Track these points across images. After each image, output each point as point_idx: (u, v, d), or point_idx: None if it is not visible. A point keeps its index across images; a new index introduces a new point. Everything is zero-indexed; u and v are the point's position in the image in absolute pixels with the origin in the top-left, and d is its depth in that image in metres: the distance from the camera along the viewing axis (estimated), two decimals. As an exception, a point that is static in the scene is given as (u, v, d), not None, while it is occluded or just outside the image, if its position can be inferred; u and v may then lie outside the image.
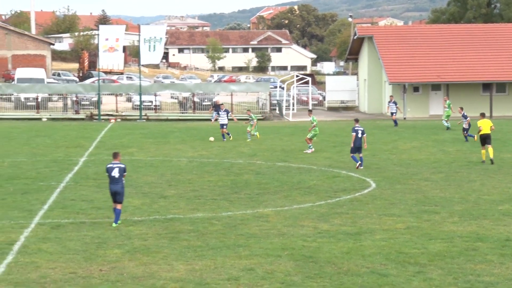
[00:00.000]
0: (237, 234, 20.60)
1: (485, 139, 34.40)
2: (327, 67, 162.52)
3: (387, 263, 17.66)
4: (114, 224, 21.59)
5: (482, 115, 36.14)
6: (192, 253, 18.57)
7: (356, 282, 16.16)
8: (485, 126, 34.57)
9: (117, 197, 21.78)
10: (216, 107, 62.08)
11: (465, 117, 44.34)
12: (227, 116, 45.16)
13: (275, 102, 67.93)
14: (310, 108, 61.89)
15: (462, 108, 46.22)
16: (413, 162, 35.30)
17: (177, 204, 25.15)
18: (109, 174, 21.81)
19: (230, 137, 44.71)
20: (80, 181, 29.70)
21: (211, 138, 44.18)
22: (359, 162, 32.76)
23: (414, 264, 17.56)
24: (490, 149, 34.23)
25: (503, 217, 22.89)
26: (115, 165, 21.87)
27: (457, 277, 16.55)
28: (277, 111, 66.96)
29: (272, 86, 74.21)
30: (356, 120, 34.23)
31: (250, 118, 45.42)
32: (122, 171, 21.82)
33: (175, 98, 69.56)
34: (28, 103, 63.68)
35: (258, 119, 61.22)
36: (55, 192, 27.06)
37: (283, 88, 69.54)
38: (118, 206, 21.81)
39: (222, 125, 45.02)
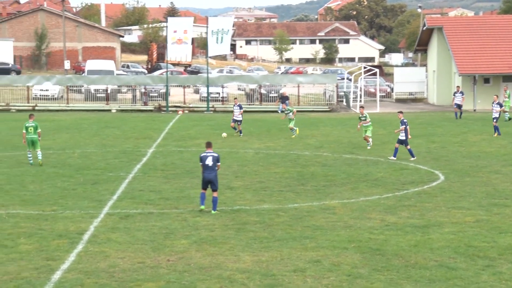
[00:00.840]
0: (303, 226, 20.59)
1: None
2: (396, 58, 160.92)
3: (455, 256, 17.46)
4: (213, 212, 22.11)
5: None
6: (258, 244, 18.63)
7: (424, 275, 16.01)
8: None
9: (211, 185, 22.24)
10: (283, 98, 62.22)
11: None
12: (239, 110, 43.19)
13: (342, 93, 67.59)
14: (375, 99, 61.51)
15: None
16: (482, 155, 34.75)
17: (243, 195, 25.24)
18: (203, 163, 22.24)
19: (239, 134, 42.87)
20: (148, 172, 30.01)
21: (224, 134, 41.99)
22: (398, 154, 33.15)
23: (483, 257, 17.32)
24: None
25: None
26: (208, 154, 22.34)
27: (528, 271, 16.27)
28: (344, 103, 66.63)
29: (339, 78, 73.83)
30: (401, 112, 34.39)
31: (287, 111, 43.55)
32: (216, 160, 22.28)
33: (242, 90, 69.73)
34: (98, 95, 64.55)
35: (325, 111, 61.16)
36: (124, 183, 27.40)
37: (350, 80, 69.19)
38: (215, 194, 22.28)
39: (235, 121, 43.16)
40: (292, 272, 16.26)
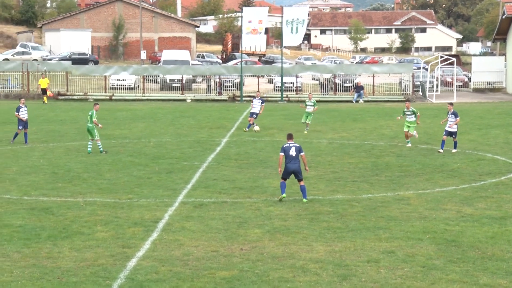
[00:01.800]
0: (377, 217, 20.46)
1: None
2: (473, 47, 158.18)
3: (533, 249, 17.12)
4: (304, 200, 22.36)
5: None
6: (331, 235, 18.58)
7: (501, 268, 15.74)
8: None
9: (296, 175, 22.39)
10: (358, 88, 61.87)
11: None
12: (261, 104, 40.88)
13: (418, 83, 66.78)
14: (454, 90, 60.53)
15: None
16: None
17: (317, 185, 25.19)
18: (287, 153, 22.34)
19: (254, 128, 40.25)
20: (222, 161, 30.18)
21: (256, 128, 39.94)
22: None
23: (562, 251, 16.92)
24: None
25: None
26: (291, 145, 22.44)
27: None
28: (420, 93, 65.83)
29: (415, 67, 72.99)
30: (451, 104, 33.42)
31: (309, 103, 40.22)
32: (298, 150, 22.41)
33: (316, 80, 69.54)
34: (173, 85, 65.21)
35: (400, 101, 60.53)
36: (198, 172, 27.61)
37: (426, 69, 68.25)
38: (302, 183, 22.51)
39: (252, 114, 40.76)
40: (366, 263, 16.18)
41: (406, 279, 15.09)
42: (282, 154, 22.52)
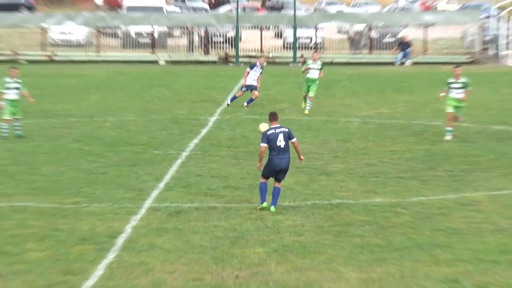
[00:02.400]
0: (433, 229, 20.35)
1: None
2: None
3: None
4: (273, 209, 21.86)
5: None
6: (367, 256, 18.47)
7: None
8: None
9: (280, 174, 22.09)
10: (404, 45, 61.67)
11: None
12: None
13: (489, 38, 66.64)
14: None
15: None
16: None
17: (345, 184, 25.12)
18: (272, 144, 21.93)
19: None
20: (209, 149, 30.11)
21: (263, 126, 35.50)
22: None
23: None
24: None
25: None
26: (278, 131, 22.01)
27: None
28: (492, 52, 65.68)
29: (485, 16, 72.72)
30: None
31: (315, 65, 39.33)
32: (288, 137, 22.07)
33: (344, 33, 69.40)
34: (141, 40, 65.04)
35: (464, 62, 60.30)
36: (174, 165, 27.46)
37: (499, 19, 68.07)
38: (278, 185, 22.14)
39: (248, 87, 40.26)
40: (418, 296, 16.14)
41: (475, 320, 15.02)
42: (265, 145, 22.01)
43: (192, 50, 64.38)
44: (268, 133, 22.05)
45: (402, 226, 20.64)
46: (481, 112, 37.91)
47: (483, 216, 21.48)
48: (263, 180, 22.14)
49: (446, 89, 32.50)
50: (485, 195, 23.61)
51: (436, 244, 19.19)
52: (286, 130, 22.18)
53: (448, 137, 31.68)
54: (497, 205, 22.60)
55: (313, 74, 38.78)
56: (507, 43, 64.71)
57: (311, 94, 38.46)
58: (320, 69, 39.06)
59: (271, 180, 22.05)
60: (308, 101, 38.43)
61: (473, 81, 46.31)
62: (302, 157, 22.86)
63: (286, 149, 21.97)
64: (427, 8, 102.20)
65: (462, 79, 32.27)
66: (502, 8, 73.25)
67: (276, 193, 22.07)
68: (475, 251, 18.61)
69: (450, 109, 31.99)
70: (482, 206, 22.44)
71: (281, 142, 21.87)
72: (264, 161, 22.25)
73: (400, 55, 61.41)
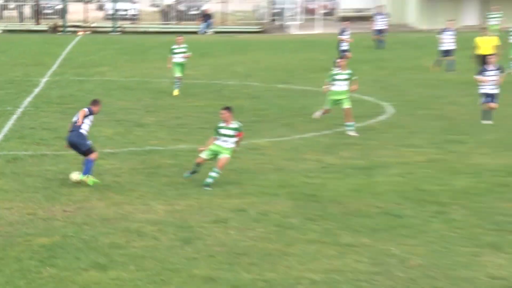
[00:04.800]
0: (227, 169, 20.42)
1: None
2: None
3: (402, 202, 17.87)
4: (82, 177, 19.73)
5: None
6: (173, 192, 18.71)
7: (366, 225, 16.35)
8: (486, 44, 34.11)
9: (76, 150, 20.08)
10: (206, 17, 61.94)
11: None
12: None
13: (276, 11, 67.36)
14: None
15: None
16: (440, 83, 35.36)
17: (156, 133, 25.28)
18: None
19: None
20: (41, 106, 29.79)
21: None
22: None
23: (434, 203, 17.76)
24: None
25: (542, 148, 23.05)
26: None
27: (483, 217, 16.78)
28: (278, 22, 66.47)
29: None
30: None
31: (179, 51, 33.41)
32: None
33: (156, 6, 69.09)
34: (-21, 12, 63.28)
35: (256, 31, 60.99)
36: (11, 119, 27.14)
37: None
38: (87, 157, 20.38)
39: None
40: (212, 223, 16.41)
41: (258, 240, 15.44)
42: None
43: (22, 20, 62.88)
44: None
45: (202, 167, 20.96)
46: (269, 74, 38.45)
47: (266, 158, 21.97)
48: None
49: (329, 81, 26.21)
50: (269, 141, 24.09)
51: (228, 181, 19.49)
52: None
53: (351, 132, 25.29)
54: (278, 149, 23.10)
55: (178, 59, 33.12)
56: (291, 16, 65.64)
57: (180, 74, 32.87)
58: (185, 52, 33.17)
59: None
60: (176, 83, 32.75)
61: (262, 48, 47.11)
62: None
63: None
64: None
65: (348, 71, 25.88)
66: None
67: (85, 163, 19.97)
68: (260, 186, 19.05)
69: (328, 106, 26.24)
70: (267, 150, 22.91)
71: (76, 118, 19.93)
72: None
73: (203, 25, 61.54)
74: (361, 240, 15.50)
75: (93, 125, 25.67)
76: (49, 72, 38.89)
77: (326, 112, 26.27)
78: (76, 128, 19.57)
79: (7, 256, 14.61)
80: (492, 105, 26.99)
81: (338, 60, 27.01)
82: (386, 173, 20.42)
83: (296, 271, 13.92)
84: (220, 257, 14.57)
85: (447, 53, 39.55)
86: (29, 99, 31.23)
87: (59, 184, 19.31)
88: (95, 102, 20.09)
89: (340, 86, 25.62)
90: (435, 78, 37.05)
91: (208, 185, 18.98)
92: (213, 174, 19.08)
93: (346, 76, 25.50)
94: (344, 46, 42.60)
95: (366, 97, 31.77)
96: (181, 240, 15.49)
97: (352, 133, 24.95)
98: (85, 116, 19.52)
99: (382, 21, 51.16)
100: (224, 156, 19.33)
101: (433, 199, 18.05)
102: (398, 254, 14.75)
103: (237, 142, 19.68)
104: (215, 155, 19.44)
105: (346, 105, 25.34)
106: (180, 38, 33.23)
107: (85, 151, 19.58)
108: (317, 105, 29.80)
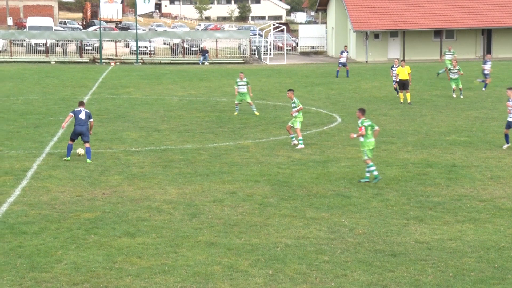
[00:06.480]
0: (221, 163, 20.61)
1: (403, 84, 33.60)
2: (300, 17, 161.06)
3: (350, 186, 17.78)
4: (88, 161, 20.49)
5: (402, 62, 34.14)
6: (182, 179, 18.58)
7: (324, 203, 16.27)
8: (403, 72, 33.66)
9: (83, 137, 20.78)
10: (203, 52, 61.72)
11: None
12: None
13: (255, 47, 67.37)
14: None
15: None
16: (373, 100, 35.30)
17: (169, 136, 25.06)
18: (76, 117, 20.81)
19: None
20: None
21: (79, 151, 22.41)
22: None
23: (373, 187, 17.68)
24: (408, 94, 33.58)
25: (450, 146, 23.04)
26: (81, 110, 20.97)
27: (410, 198, 16.71)
28: (256, 56, 66.48)
29: (252, 34, 73.38)
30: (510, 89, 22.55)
31: (242, 84, 30.14)
32: (88, 116, 20.97)
33: (167, 44, 68.81)
34: (38, 48, 62.75)
35: (240, 63, 60.86)
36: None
37: (261, 36, 68.93)
38: (87, 145, 20.82)
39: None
40: (212, 202, 16.30)
41: (246, 215, 15.34)
42: (72, 114, 20.90)
43: (67, 54, 62.31)
44: (75, 110, 21.00)
45: (203, 161, 20.83)
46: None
47: (250, 155, 21.82)
48: (70, 142, 20.93)
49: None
50: (252, 142, 23.94)
51: (223, 171, 19.44)
52: (88, 111, 21.11)
53: (298, 145, 22.96)
54: (258, 148, 22.96)
55: (242, 89, 29.97)
56: (265, 51, 65.59)
57: (250, 101, 30.02)
58: (247, 84, 29.98)
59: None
60: (252, 106, 30.02)
61: (244, 74, 46.93)
62: (91, 132, 21.14)
63: (85, 121, 20.74)
64: (217, 29, 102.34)
65: (294, 99, 23.26)
66: (262, 30, 74.20)
67: (87, 151, 20.73)
68: (246, 175, 18.96)
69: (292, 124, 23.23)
70: (250, 149, 22.75)
71: (82, 116, 20.72)
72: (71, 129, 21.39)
73: (201, 58, 61.35)
74: (321, 214, 15.38)
75: (122, 130, 25.69)
76: (90, 92, 38.57)
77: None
78: (83, 122, 20.63)
79: (61, 227, 14.44)
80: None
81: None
82: (337, 165, 20.29)
83: (274, 238, 13.79)
84: (218, 227, 14.45)
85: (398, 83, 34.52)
86: (75, 111, 30.82)
87: (99, 174, 19.17)
88: (82, 103, 21.33)
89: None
90: (371, 96, 36.92)
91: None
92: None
93: (293, 104, 23.32)
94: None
95: (321, 110, 31.65)
96: (189, 214, 15.38)
97: (300, 146, 22.86)
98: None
99: (345, 56, 48.01)
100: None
101: (372, 185, 17.93)
102: (348, 225, 14.63)
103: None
104: None
105: (296, 125, 23.10)
106: (242, 74, 30.47)
107: (88, 140, 20.76)
108: (286, 115, 29.76)
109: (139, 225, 14.56)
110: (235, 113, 30.35)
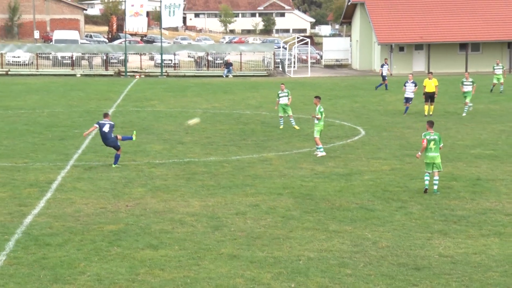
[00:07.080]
0: (244, 175, 20.62)
1: (430, 97, 33.59)
2: (324, 29, 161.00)
3: (373, 199, 17.70)
4: (114, 165, 21.58)
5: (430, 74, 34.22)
6: (205, 191, 18.61)
7: (347, 216, 16.21)
8: (429, 85, 33.60)
9: (111, 146, 21.87)
10: (227, 65, 61.91)
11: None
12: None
13: (279, 60, 67.49)
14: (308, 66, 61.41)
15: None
16: (398, 113, 35.15)
17: (193, 149, 25.11)
18: (101, 129, 21.58)
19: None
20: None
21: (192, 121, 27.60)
22: None
23: (397, 200, 17.60)
24: (431, 106, 33.62)
25: (474, 159, 22.86)
26: (106, 122, 21.66)
27: (434, 211, 16.59)
28: (280, 69, 66.57)
29: (276, 47, 73.60)
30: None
31: (283, 95, 30.14)
32: (112, 127, 21.65)
33: (192, 57, 69.15)
34: (64, 61, 63.38)
35: (264, 75, 60.94)
36: (87, 138, 26.89)
37: (285, 48, 69.04)
38: (119, 152, 21.75)
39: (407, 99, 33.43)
40: (235, 215, 16.31)
41: (268, 228, 15.31)
42: (97, 125, 21.75)
43: (92, 67, 62.81)
44: (100, 122, 21.70)
45: (226, 174, 20.84)
46: (274, 106, 38.29)
47: (273, 167, 21.80)
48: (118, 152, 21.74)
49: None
50: (275, 155, 23.93)
51: (246, 184, 19.43)
52: (112, 123, 21.85)
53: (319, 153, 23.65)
54: (282, 160, 22.93)
55: (283, 100, 29.96)
56: (289, 64, 65.68)
57: (289, 113, 30.03)
58: (288, 95, 30.02)
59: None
60: (291, 119, 29.98)
61: (268, 87, 46.95)
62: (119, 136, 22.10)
63: (110, 132, 21.52)
64: (242, 42, 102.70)
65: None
66: (286, 43, 74.34)
67: (116, 157, 21.72)
68: (269, 188, 18.94)
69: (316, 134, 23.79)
70: (273, 161, 22.73)
71: (105, 128, 21.49)
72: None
73: (226, 71, 61.53)
74: (344, 227, 15.32)
75: (146, 142, 25.81)
76: (115, 105, 38.81)
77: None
78: (108, 136, 21.41)
79: (85, 238, 14.51)
80: None
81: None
82: (361, 178, 20.21)
83: (297, 250, 13.75)
84: (241, 240, 14.44)
85: (407, 100, 34.91)
86: (100, 124, 31.00)
87: (123, 186, 19.24)
88: (106, 115, 21.98)
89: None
90: (395, 109, 36.78)
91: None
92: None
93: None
94: None
95: (344, 123, 31.57)
96: (212, 227, 15.38)
97: (320, 154, 23.49)
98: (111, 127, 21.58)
99: (385, 69, 47.97)
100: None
101: (396, 197, 17.86)
102: (372, 238, 14.55)
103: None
104: None
105: (314, 134, 23.63)
106: (283, 85, 30.23)
107: (119, 147, 21.64)
108: (309, 128, 29.69)
109: (162, 237, 14.59)
110: (280, 127, 29.77)
